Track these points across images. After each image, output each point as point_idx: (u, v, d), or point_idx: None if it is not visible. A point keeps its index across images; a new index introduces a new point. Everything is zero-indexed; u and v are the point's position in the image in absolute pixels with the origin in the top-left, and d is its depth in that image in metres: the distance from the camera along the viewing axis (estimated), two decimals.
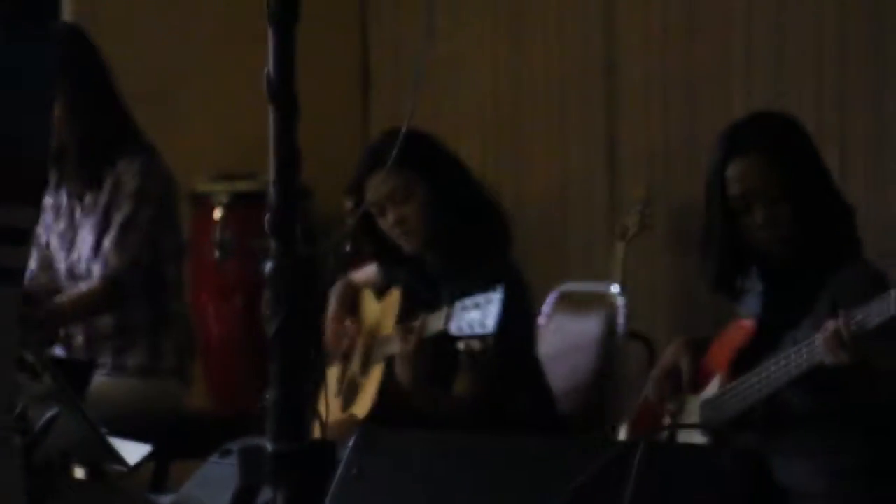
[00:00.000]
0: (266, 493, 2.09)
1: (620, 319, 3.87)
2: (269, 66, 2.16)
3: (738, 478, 1.79)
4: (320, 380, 3.77)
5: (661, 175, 4.80)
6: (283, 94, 2.17)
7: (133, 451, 2.60)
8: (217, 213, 5.15)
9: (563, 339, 3.96)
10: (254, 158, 5.28)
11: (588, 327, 3.93)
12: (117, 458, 2.58)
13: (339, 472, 2.05)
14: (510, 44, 5.37)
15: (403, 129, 2.42)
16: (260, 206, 5.16)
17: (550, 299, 4.08)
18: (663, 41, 4.83)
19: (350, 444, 2.11)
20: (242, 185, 5.22)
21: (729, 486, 1.78)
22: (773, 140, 2.91)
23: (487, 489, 1.94)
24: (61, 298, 3.86)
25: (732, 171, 2.90)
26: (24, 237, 2.14)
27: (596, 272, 4.74)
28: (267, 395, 2.19)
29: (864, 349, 2.62)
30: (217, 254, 5.13)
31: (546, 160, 5.28)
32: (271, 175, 2.22)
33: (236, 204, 5.18)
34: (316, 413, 3.71)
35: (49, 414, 2.46)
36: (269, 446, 2.10)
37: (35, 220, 2.17)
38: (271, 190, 2.19)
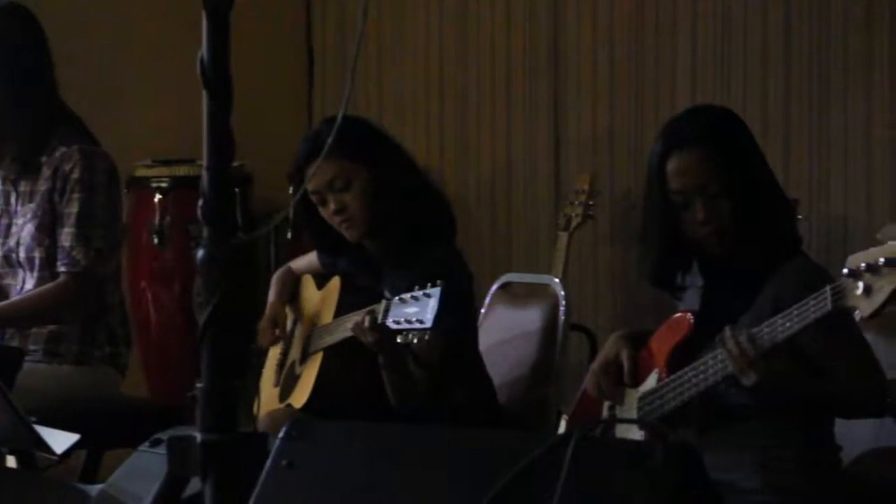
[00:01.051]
0: (195, 484, 2.07)
1: (562, 311, 3.86)
2: (203, 50, 2.14)
3: (670, 471, 1.79)
4: (254, 369, 3.79)
5: (605, 167, 4.82)
6: (217, 79, 2.15)
7: (61, 440, 2.57)
8: (156, 199, 5.12)
9: (505, 330, 3.96)
10: (193, 143, 5.26)
11: (529, 318, 3.92)
12: (45, 447, 2.55)
13: (268, 462, 2.04)
14: (456, 31, 5.36)
15: (340, 117, 2.38)
16: (198, 192, 5.18)
17: (492, 290, 4.07)
18: (610, 31, 4.84)
19: (281, 434, 2.10)
20: (182, 170, 5.19)
21: (661, 479, 1.78)
22: (712, 134, 2.91)
23: (419, 481, 1.93)
24: (24, 297, 3.81)
25: (672, 165, 2.90)
26: None
27: (540, 262, 4.76)
28: (197, 385, 2.19)
29: (770, 369, 2.65)
30: (155, 239, 5.09)
31: (491, 149, 5.29)
32: (204, 161, 2.20)
33: (175, 189, 5.15)
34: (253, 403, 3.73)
35: None
36: (198, 436, 2.08)
37: None
38: (204, 176, 2.18)
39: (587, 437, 1.85)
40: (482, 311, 4.08)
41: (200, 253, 2.14)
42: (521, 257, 5.13)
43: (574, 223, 4.42)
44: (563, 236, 4.42)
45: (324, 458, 2.02)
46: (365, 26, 2.19)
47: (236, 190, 5.16)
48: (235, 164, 5.91)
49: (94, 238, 3.74)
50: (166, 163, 5.19)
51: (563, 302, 3.87)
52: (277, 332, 3.72)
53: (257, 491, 2.00)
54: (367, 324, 3.21)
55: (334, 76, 5.84)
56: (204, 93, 2.18)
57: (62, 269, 3.74)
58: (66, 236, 3.74)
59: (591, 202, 4.43)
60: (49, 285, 3.77)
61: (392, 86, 5.61)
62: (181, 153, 5.19)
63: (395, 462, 1.97)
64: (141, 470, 2.45)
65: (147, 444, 2.57)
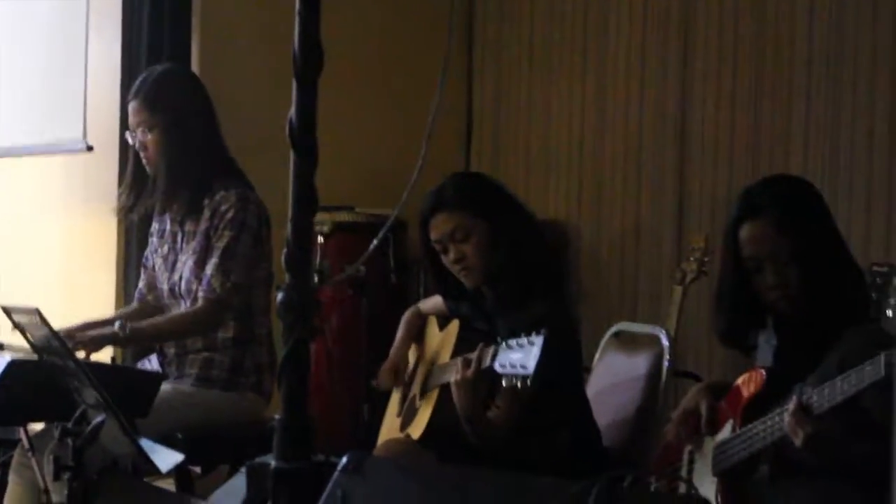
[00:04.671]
0: None
1: (666, 360, 3.75)
2: (292, 114, 2.13)
3: None
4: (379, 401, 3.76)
5: (723, 227, 4.68)
6: (303, 140, 2.14)
7: (167, 459, 2.57)
8: (318, 241, 5.15)
9: (614, 375, 3.86)
10: (352, 192, 5.29)
11: (637, 365, 3.82)
12: (152, 465, 2.56)
13: (325, 493, 2.00)
14: (595, 105, 5.33)
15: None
16: (356, 236, 5.20)
17: (605, 338, 3.98)
18: (731, 106, 4.74)
19: (339, 466, 2.06)
20: (342, 216, 5.22)
21: None
22: (783, 204, 2.79)
23: None
24: (165, 317, 3.86)
25: (745, 232, 2.79)
26: None
27: (662, 313, 4.64)
28: (275, 416, 2.16)
29: (819, 433, 2.51)
30: (316, 279, 5.09)
31: (622, 208, 5.21)
32: (289, 213, 2.19)
33: (335, 233, 5.17)
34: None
35: (96, 420, 2.45)
36: (272, 463, 2.06)
37: None
38: (288, 228, 2.17)
39: (613, 487, 1.76)
40: (596, 355, 3.99)
41: (280, 297, 2.12)
42: (645, 307, 5.02)
43: (689, 278, 4.30)
44: (678, 290, 4.29)
45: (374, 491, 1.97)
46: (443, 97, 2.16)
47: (389, 235, 5.22)
48: (391, 212, 5.88)
49: (233, 272, 3.75)
50: (327, 209, 5.21)
51: (668, 353, 3.76)
52: (396, 377, 3.69)
53: None
54: (472, 366, 3.15)
55: (489, 136, 5.83)
56: (291, 153, 2.17)
57: (200, 293, 3.77)
58: (210, 266, 3.77)
59: (706, 258, 4.30)
60: (187, 309, 3.81)
61: (539, 149, 5.58)
62: (340, 201, 5.22)
63: (434, 502, 1.91)
64: (236, 491, 2.43)
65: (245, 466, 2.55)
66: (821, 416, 2.52)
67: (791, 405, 2.57)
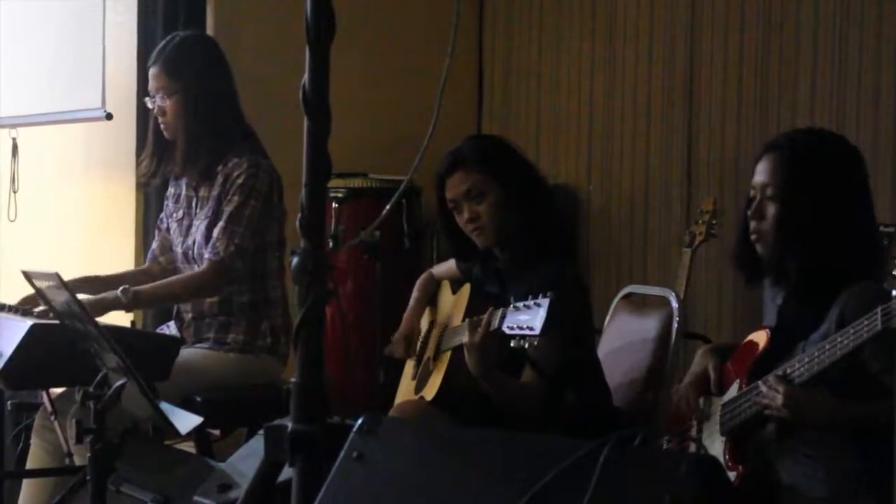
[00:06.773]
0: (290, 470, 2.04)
1: (675, 322, 3.74)
2: (305, 79, 2.11)
3: (692, 481, 1.70)
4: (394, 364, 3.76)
5: (731, 189, 4.67)
6: (316, 105, 2.13)
7: (186, 421, 2.58)
8: (332, 207, 5.15)
9: (624, 336, 3.86)
10: (365, 159, 5.29)
11: (647, 327, 3.81)
12: (172, 427, 2.56)
13: (341, 453, 2.00)
14: (604, 68, 5.30)
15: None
16: (370, 202, 5.20)
17: (616, 300, 3.98)
18: (739, 67, 4.71)
19: (355, 427, 2.06)
20: (356, 182, 5.21)
21: (683, 488, 1.69)
22: (802, 146, 2.76)
23: (467, 481, 1.87)
24: (168, 280, 3.85)
25: (759, 165, 2.79)
26: None
27: (671, 275, 4.64)
28: (292, 379, 2.16)
29: (801, 402, 2.53)
30: (331, 244, 5.11)
31: (631, 170, 5.20)
32: (303, 177, 2.18)
33: (349, 199, 5.17)
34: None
35: (117, 384, 2.46)
36: (289, 426, 2.06)
37: None
38: (302, 193, 2.16)
39: (623, 446, 1.76)
40: (607, 317, 3.98)
41: (294, 261, 2.11)
42: (655, 269, 5.02)
43: (697, 241, 4.29)
44: (687, 252, 4.29)
45: (390, 452, 1.98)
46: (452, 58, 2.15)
47: (403, 201, 5.21)
48: (404, 178, 5.93)
49: (237, 235, 3.75)
50: (342, 175, 5.21)
51: (677, 314, 3.75)
52: (408, 347, 3.70)
53: (329, 478, 1.97)
54: (481, 329, 3.15)
55: (500, 100, 5.81)
56: (305, 119, 2.16)
57: (206, 255, 3.78)
58: (217, 230, 3.78)
59: (714, 222, 4.29)
60: (192, 272, 3.81)
61: (549, 113, 5.56)
62: (354, 167, 5.21)
63: (450, 459, 1.91)
64: (257, 452, 2.43)
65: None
66: (808, 382, 2.53)
67: (767, 380, 2.59)
